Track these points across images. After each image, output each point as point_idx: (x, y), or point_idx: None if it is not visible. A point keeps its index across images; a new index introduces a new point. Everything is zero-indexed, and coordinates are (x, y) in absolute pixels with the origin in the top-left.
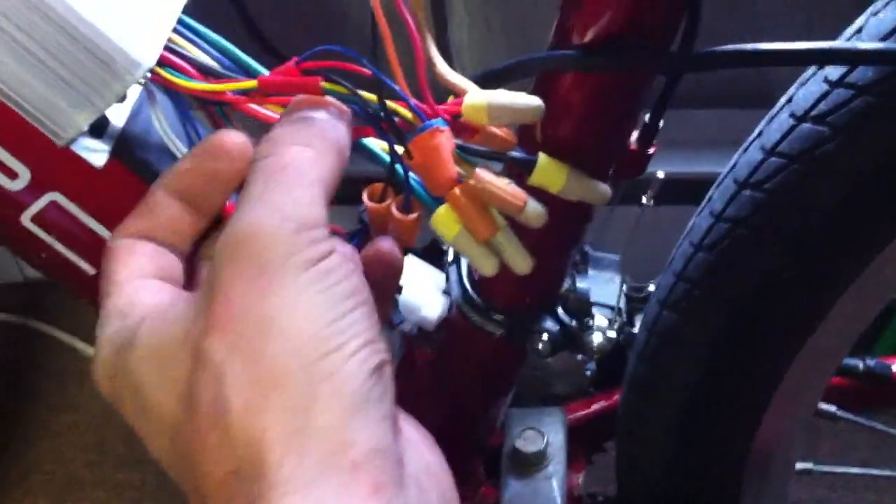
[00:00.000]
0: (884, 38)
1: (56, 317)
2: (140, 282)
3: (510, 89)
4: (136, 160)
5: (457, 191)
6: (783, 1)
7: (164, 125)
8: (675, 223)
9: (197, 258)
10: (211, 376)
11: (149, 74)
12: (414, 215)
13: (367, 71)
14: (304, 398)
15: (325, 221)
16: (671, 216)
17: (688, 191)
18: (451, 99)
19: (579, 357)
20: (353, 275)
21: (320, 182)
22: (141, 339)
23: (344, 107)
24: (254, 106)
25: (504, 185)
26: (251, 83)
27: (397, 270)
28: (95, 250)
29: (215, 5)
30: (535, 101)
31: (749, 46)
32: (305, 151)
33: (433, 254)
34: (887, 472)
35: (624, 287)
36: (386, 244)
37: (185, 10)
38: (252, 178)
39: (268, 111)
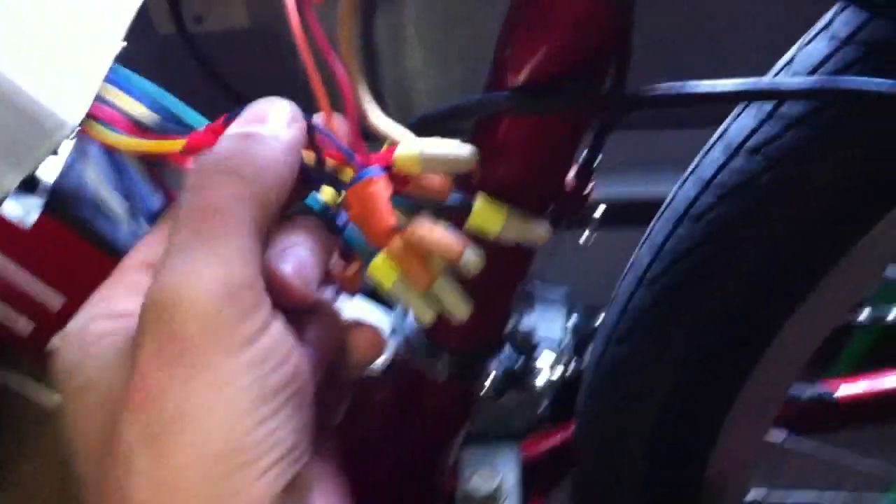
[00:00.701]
0: (812, 71)
1: (10, 365)
2: (138, 277)
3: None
4: (69, 215)
5: (394, 241)
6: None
7: (97, 179)
8: (630, 246)
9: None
10: (121, 457)
11: (78, 129)
12: (354, 266)
13: None
14: None
15: (256, 277)
16: (625, 239)
17: (643, 213)
18: (385, 146)
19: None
20: (290, 357)
21: (252, 224)
22: (81, 371)
23: (297, 112)
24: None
25: (440, 235)
26: (179, 143)
27: (340, 328)
28: (31, 308)
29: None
30: (468, 150)
31: (679, 85)
32: (234, 185)
33: (380, 295)
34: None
35: (572, 320)
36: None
37: (130, 61)
38: (175, 224)
39: None
